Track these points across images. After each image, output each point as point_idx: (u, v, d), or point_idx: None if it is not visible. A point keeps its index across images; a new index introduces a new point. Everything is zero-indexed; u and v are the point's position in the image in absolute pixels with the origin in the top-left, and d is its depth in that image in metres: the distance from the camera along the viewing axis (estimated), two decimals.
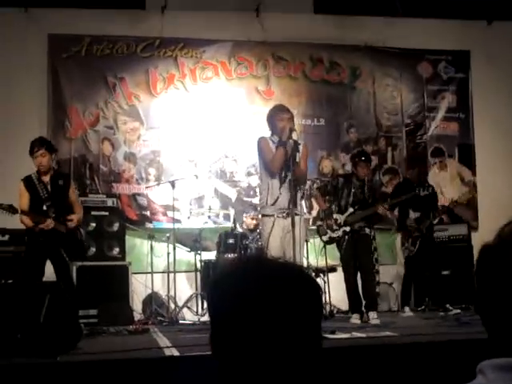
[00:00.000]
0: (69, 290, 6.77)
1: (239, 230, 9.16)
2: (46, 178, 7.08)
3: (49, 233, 6.86)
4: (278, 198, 6.46)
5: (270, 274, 1.31)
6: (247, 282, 1.29)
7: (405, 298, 8.85)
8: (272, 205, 6.50)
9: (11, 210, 6.76)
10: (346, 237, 7.82)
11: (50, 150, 7.12)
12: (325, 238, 8.02)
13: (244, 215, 9.35)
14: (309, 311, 1.30)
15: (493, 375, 1.30)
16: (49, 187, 7.05)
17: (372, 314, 7.61)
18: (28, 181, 7.08)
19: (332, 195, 8.15)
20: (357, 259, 7.84)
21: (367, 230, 7.94)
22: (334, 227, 7.88)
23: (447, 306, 8.38)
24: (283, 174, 6.47)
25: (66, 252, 6.95)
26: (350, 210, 7.88)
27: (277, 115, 6.72)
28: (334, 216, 7.92)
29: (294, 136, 6.52)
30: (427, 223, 8.75)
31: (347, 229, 7.83)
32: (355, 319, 7.59)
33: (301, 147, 6.70)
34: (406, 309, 8.64)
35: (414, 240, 8.65)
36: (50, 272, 7.01)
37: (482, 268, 1.39)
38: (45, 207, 6.94)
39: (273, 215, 6.48)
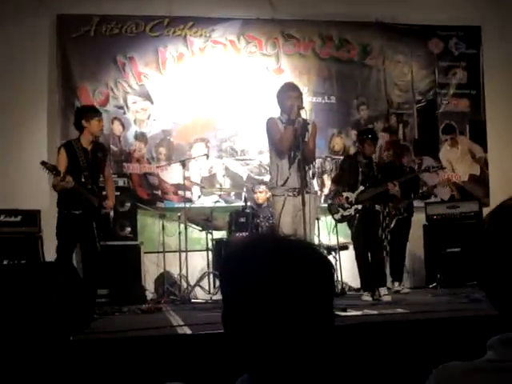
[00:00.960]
0: (94, 269, 6.79)
1: (250, 208, 9.17)
2: (88, 147, 6.90)
3: (83, 205, 6.72)
4: (287, 178, 6.45)
5: (282, 251, 1.31)
6: (259, 259, 1.29)
7: (393, 273, 8.98)
8: (282, 185, 6.49)
9: (55, 170, 6.54)
10: (357, 215, 7.81)
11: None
12: (337, 216, 8.01)
13: (253, 190, 9.35)
14: (321, 289, 1.30)
15: (503, 350, 1.31)
16: (90, 156, 6.88)
17: (382, 290, 7.63)
18: (68, 147, 6.92)
19: (341, 176, 8.19)
20: (367, 236, 7.84)
21: (377, 207, 7.93)
22: (346, 205, 7.88)
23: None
24: (292, 154, 6.46)
25: (92, 229, 6.82)
26: (361, 187, 7.87)
27: (285, 93, 6.70)
28: (345, 194, 7.91)
29: (303, 114, 6.51)
30: (405, 203, 8.92)
31: (359, 207, 7.82)
32: (366, 296, 7.60)
33: (309, 126, 6.70)
34: (396, 284, 8.84)
35: (392, 218, 8.77)
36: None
37: (483, 243, 1.40)
38: (83, 178, 6.77)
39: (283, 195, 6.47)
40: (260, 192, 9.22)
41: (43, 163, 6.60)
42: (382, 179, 7.98)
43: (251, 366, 1.29)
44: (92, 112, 7.01)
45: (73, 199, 6.71)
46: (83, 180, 6.79)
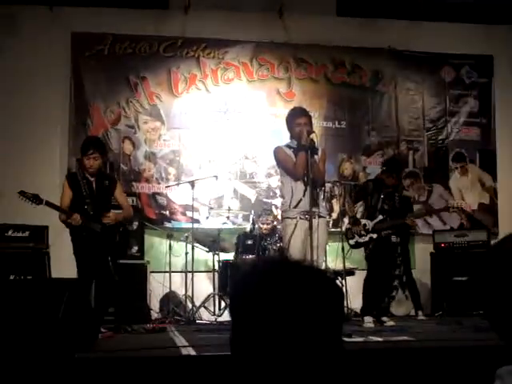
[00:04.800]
0: (104, 290, 6.85)
1: (258, 231, 9.16)
2: (91, 177, 6.99)
3: (87, 230, 6.81)
4: (301, 200, 6.44)
5: (293, 276, 1.31)
6: (270, 284, 1.29)
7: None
8: (295, 207, 6.48)
9: (35, 200, 6.67)
10: (372, 243, 7.87)
11: (102, 153, 7.08)
12: (351, 241, 8.08)
13: (260, 219, 9.31)
14: (331, 315, 1.29)
15: (511, 381, 1.30)
16: (93, 186, 6.98)
17: (385, 318, 7.69)
18: (72, 178, 7.06)
19: (361, 199, 8.21)
20: (381, 265, 7.88)
21: (393, 239, 7.98)
22: (362, 233, 7.93)
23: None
24: (306, 178, 6.45)
25: (105, 251, 6.94)
26: (380, 217, 7.92)
27: (294, 120, 6.69)
28: (363, 222, 7.97)
29: (314, 138, 6.52)
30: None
31: (374, 235, 7.87)
32: (368, 323, 7.57)
33: (319, 151, 6.73)
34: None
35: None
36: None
37: (490, 273, 1.40)
38: (86, 205, 6.86)
39: (295, 218, 6.46)
40: (267, 223, 9.16)
41: (21, 193, 6.69)
42: (402, 211, 8.03)
43: None
44: (86, 149, 6.93)
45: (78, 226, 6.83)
46: (86, 207, 6.89)
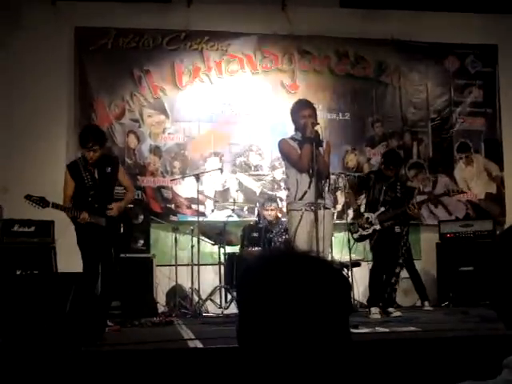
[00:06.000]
0: (109, 282, 6.83)
1: (263, 223, 9.17)
2: (93, 167, 6.85)
3: (92, 225, 6.75)
4: (306, 192, 6.44)
5: (299, 267, 1.30)
6: (277, 275, 1.29)
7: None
8: (300, 199, 6.48)
9: (41, 203, 6.61)
10: (376, 234, 7.87)
11: (102, 145, 6.88)
12: (356, 235, 8.09)
13: (264, 206, 9.31)
14: (338, 305, 1.29)
15: None
16: (95, 174, 6.84)
17: (391, 309, 7.68)
18: (73, 167, 6.90)
19: (363, 192, 8.20)
20: (386, 255, 7.87)
21: (397, 229, 7.96)
22: (366, 226, 7.93)
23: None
24: (311, 170, 6.45)
25: (110, 244, 6.88)
26: (382, 209, 7.92)
27: (298, 112, 6.70)
28: (366, 215, 7.97)
29: (319, 130, 6.52)
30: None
31: (377, 227, 7.87)
32: (375, 314, 7.57)
33: (324, 143, 6.72)
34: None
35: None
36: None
37: (496, 263, 1.40)
38: (90, 197, 6.78)
39: (301, 209, 6.46)
40: (271, 210, 9.19)
41: (27, 197, 6.64)
42: (404, 201, 8.02)
43: (265, 381, 1.28)
44: (86, 141, 6.75)
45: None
46: (90, 200, 6.81)
